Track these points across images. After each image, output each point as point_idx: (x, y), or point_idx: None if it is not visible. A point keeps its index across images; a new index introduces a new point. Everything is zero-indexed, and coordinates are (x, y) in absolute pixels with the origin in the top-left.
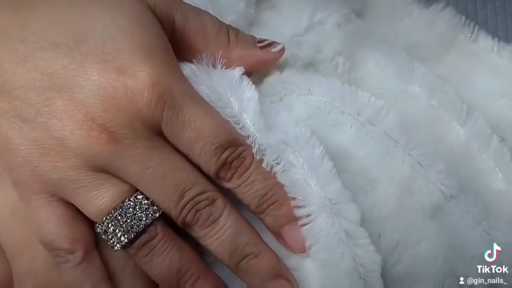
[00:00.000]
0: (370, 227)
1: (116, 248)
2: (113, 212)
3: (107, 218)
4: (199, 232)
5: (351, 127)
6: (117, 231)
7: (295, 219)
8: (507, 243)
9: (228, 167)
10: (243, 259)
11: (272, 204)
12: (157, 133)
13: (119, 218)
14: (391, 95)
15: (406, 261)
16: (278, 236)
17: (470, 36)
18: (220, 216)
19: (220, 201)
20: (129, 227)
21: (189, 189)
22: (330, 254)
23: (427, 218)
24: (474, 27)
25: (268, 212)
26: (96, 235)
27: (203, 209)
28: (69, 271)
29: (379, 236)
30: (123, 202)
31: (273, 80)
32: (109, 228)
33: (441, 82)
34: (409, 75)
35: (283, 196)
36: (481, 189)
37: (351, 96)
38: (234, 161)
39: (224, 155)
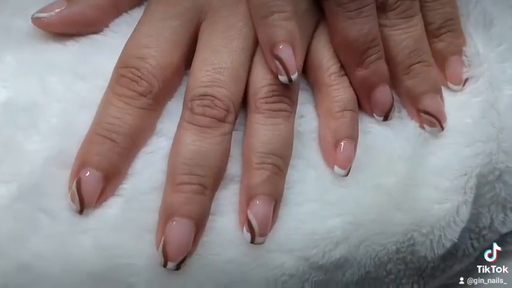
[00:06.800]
0: None
1: None
2: None
3: None
4: (392, 19)
5: None
6: None
7: (462, 53)
8: None
9: None
10: (418, 63)
11: (451, 31)
12: None
13: None
14: None
15: None
16: (442, 64)
17: None
18: (415, 15)
19: (417, 4)
20: None
21: None
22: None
23: None
24: None
25: (443, 38)
26: None
27: (406, 0)
28: None
29: None
30: None
31: None
32: None
33: None
34: None
35: (462, 30)
36: None
37: None
38: None
39: None
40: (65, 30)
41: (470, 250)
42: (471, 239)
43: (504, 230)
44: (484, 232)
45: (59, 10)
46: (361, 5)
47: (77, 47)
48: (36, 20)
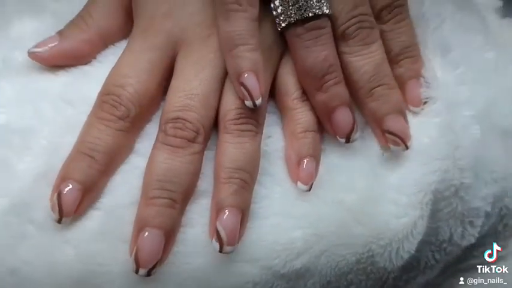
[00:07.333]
0: None
1: (283, 24)
2: None
3: None
4: (352, 47)
5: None
6: (290, 9)
7: (419, 77)
8: None
9: (390, 10)
10: (379, 86)
11: (409, 58)
12: None
13: None
14: None
15: None
16: (402, 88)
17: None
18: (374, 42)
19: (377, 32)
20: (303, 9)
21: (361, 6)
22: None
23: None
24: None
25: (402, 64)
26: None
27: (365, 28)
28: (241, 20)
29: None
30: None
31: None
32: (282, 5)
33: None
34: None
35: (420, 55)
36: None
37: None
38: (396, 8)
39: None
40: (57, 63)
41: (432, 262)
42: (432, 251)
43: (464, 243)
44: (444, 245)
45: (52, 45)
46: (317, 35)
47: (67, 77)
48: (32, 54)
